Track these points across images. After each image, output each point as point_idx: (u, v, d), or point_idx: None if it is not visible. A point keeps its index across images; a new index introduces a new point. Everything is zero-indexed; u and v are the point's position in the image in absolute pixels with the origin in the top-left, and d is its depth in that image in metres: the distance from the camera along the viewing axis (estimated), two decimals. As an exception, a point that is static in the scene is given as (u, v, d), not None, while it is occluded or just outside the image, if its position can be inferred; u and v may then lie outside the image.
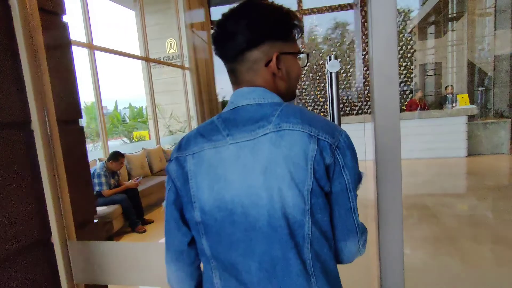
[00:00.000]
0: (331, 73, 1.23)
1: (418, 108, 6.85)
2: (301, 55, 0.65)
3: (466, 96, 6.09)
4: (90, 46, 4.13)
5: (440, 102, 7.00)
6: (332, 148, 0.55)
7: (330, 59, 1.23)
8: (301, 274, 0.55)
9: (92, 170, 3.24)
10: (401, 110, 8.03)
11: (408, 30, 7.97)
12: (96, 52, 4.29)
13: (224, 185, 0.57)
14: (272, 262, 0.55)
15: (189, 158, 0.60)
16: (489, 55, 7.58)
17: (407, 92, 8.16)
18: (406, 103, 7.86)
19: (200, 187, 0.58)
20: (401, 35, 8.00)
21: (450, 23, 7.69)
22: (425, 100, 7.21)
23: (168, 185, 0.63)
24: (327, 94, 1.34)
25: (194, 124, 7.85)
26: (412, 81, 8.12)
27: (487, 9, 7.46)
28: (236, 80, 0.63)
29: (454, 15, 7.60)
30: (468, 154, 5.93)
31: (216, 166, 0.57)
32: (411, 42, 8.01)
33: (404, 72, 8.17)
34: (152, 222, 3.61)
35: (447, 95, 6.80)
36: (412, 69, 8.10)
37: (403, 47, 8.09)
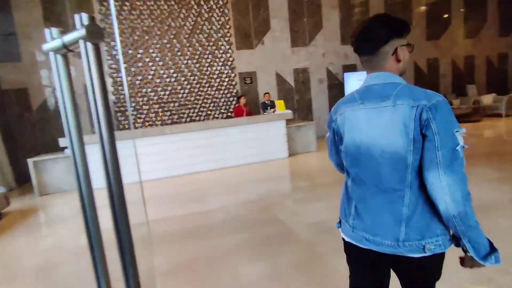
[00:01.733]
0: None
1: (244, 114, 7.06)
2: (409, 45, 1.06)
3: (281, 102, 6.73)
4: None
5: (260, 109, 7.51)
6: (426, 108, 0.90)
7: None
8: (397, 183, 0.97)
9: None
10: (228, 117, 8.14)
11: (226, 39, 8.20)
12: None
13: (357, 132, 1.04)
14: (379, 174, 1.00)
15: (338, 117, 1.11)
16: (290, 67, 8.89)
17: (231, 99, 8.39)
18: (232, 109, 8.03)
19: (344, 133, 1.09)
20: (219, 43, 8.13)
21: (260, 37, 8.51)
22: (249, 106, 7.57)
23: (330, 130, 1.19)
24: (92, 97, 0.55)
25: None
26: (235, 89, 8.42)
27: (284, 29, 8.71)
28: (371, 66, 1.05)
29: (261, 29, 8.47)
30: (289, 155, 6.57)
31: (352, 121, 1.05)
32: (229, 50, 8.28)
33: (227, 79, 8.36)
34: None
35: (265, 102, 7.37)
36: (233, 77, 8.40)
37: (223, 55, 8.26)
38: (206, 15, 8.00)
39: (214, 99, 8.31)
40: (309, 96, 9.25)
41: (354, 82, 9.20)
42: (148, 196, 4.87)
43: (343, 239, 1.16)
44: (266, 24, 8.58)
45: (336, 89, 9.44)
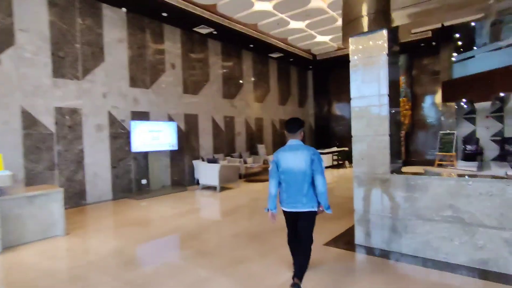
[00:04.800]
0: None
1: None
2: (303, 131, 2.92)
3: None
4: None
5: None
6: (312, 154, 2.71)
7: None
8: (306, 185, 2.70)
9: None
10: None
11: None
12: None
13: (288, 163, 2.73)
14: (296, 179, 2.70)
15: (279, 155, 2.78)
16: (49, 104, 6.22)
17: None
18: None
19: (281, 163, 2.76)
20: None
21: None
22: None
23: (273, 161, 2.81)
24: None
25: None
26: None
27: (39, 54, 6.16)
28: (292, 137, 2.82)
29: None
30: (4, 247, 3.78)
31: (286, 157, 2.74)
32: None
33: None
34: None
35: (-24, 154, 4.35)
36: None
37: None
38: None
39: None
40: (80, 147, 6.75)
41: (144, 133, 7.54)
42: None
43: (283, 210, 2.81)
44: (8, 35, 5.74)
45: (121, 139, 7.44)
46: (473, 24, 11.37)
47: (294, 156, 2.68)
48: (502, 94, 10.04)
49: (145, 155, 7.87)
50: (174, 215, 5.62)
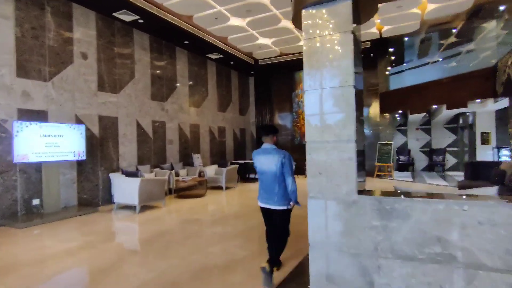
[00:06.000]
0: None
1: None
2: (276, 136, 3.35)
3: None
4: None
5: None
6: (283, 158, 3.08)
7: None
8: (276, 185, 3.11)
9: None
10: None
11: None
12: None
13: (261, 164, 3.20)
14: (268, 179, 3.15)
15: (256, 156, 3.28)
16: None
17: None
18: None
19: (257, 164, 3.26)
20: None
21: None
22: None
23: (254, 162, 3.31)
24: None
25: None
26: None
27: None
28: (266, 140, 3.25)
29: None
30: None
31: (260, 160, 3.22)
32: None
33: None
34: None
35: None
36: None
37: None
38: None
39: None
40: None
41: (35, 136, 5.72)
42: None
43: (259, 205, 3.28)
44: None
45: (0, 145, 5.52)
46: (406, 38, 11.81)
47: (266, 159, 3.16)
48: (435, 106, 10.44)
49: (38, 166, 6.00)
50: (62, 252, 4.02)
